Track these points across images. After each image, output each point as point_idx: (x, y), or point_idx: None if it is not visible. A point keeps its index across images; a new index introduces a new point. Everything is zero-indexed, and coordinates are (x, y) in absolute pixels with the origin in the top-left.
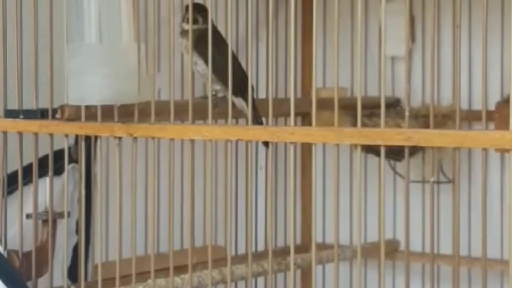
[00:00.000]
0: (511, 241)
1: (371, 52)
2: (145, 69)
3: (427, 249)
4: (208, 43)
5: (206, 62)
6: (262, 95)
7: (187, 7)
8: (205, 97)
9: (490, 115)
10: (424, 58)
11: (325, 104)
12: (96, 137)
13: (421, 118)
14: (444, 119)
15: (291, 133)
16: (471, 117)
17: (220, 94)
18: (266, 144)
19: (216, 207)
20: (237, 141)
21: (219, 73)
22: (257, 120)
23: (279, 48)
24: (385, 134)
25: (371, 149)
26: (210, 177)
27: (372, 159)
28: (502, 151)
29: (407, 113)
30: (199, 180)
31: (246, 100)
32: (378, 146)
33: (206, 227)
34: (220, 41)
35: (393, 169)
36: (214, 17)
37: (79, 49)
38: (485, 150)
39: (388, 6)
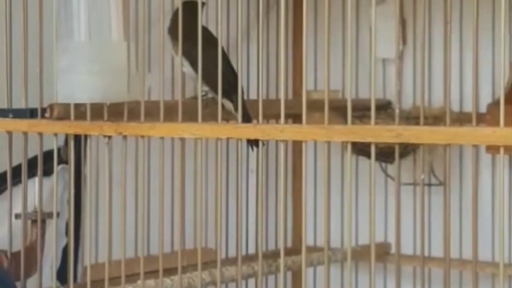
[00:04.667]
0: (501, 244)
1: (363, 54)
2: (135, 68)
3: (419, 252)
4: (198, 44)
5: (191, 64)
6: (253, 96)
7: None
8: (195, 98)
9: (482, 117)
10: (415, 60)
11: (316, 106)
12: (85, 136)
13: (412, 120)
14: (435, 121)
15: (281, 130)
16: (462, 119)
17: (210, 95)
18: (255, 144)
19: (207, 209)
20: (227, 139)
21: (205, 74)
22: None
23: (270, 49)
24: (375, 131)
25: (362, 151)
26: (200, 176)
27: (363, 161)
28: (493, 152)
29: (397, 110)
30: (190, 181)
31: (231, 100)
32: (369, 147)
33: (197, 229)
34: (207, 43)
35: (384, 171)
36: (204, 18)
37: (68, 47)
38: (475, 147)
39: (379, 8)
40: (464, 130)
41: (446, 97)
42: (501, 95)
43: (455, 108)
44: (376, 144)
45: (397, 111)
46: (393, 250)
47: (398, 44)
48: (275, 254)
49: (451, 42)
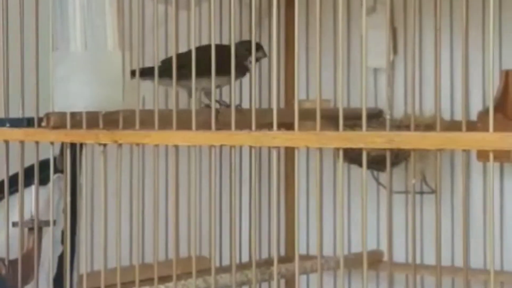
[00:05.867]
0: (491, 250)
1: (354, 64)
2: (130, 77)
3: (411, 259)
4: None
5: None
6: (246, 105)
7: None
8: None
9: (473, 125)
10: (406, 70)
11: (308, 115)
12: (81, 145)
13: (404, 129)
14: (426, 129)
15: (273, 137)
16: (453, 127)
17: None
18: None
19: (201, 217)
20: (221, 147)
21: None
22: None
23: (262, 59)
24: (367, 137)
25: (354, 160)
26: (194, 184)
27: (355, 170)
28: (485, 159)
29: (388, 116)
30: (184, 189)
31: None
32: (361, 156)
33: (191, 237)
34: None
35: (376, 180)
36: (198, 29)
37: (64, 57)
38: (466, 151)
39: (370, 18)
40: (454, 135)
41: (436, 104)
42: (489, 102)
43: (446, 116)
44: (368, 152)
45: (388, 117)
46: (385, 257)
47: (389, 51)
48: (268, 262)
49: (440, 50)
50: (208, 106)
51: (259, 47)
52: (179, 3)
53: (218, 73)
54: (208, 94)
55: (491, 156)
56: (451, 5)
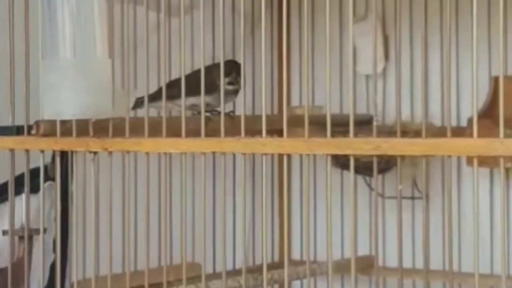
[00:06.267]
0: (476, 254)
1: (347, 70)
2: (121, 85)
3: (404, 264)
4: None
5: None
6: (239, 112)
7: None
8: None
9: (463, 131)
10: (398, 76)
11: (300, 121)
12: (72, 153)
13: (395, 135)
14: (417, 135)
15: (263, 144)
16: (443, 133)
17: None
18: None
19: (193, 223)
20: (213, 154)
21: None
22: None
23: (256, 65)
24: (355, 144)
25: (347, 166)
26: (185, 191)
27: (348, 175)
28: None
29: (375, 122)
30: (177, 196)
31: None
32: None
33: (182, 243)
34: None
35: (369, 185)
36: (189, 37)
37: (53, 65)
38: (450, 157)
39: (362, 25)
40: (440, 142)
41: (423, 111)
42: (473, 109)
43: (437, 122)
44: (359, 158)
45: (375, 123)
46: (379, 262)
47: (375, 56)
48: (261, 268)
49: (427, 58)
50: (199, 113)
51: (233, 68)
52: (171, 10)
53: (196, 93)
54: (196, 108)
55: (475, 162)
56: (441, 13)
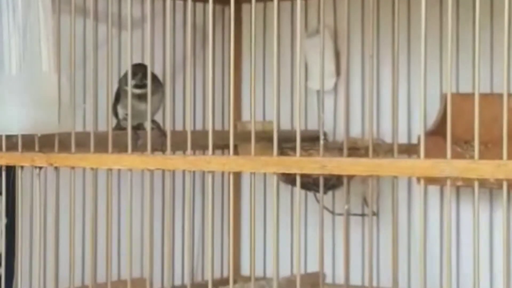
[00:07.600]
0: (401, 273)
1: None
2: (69, 100)
3: (353, 281)
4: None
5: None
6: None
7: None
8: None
9: (414, 148)
10: (348, 92)
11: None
12: (17, 168)
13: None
14: (368, 152)
15: (208, 162)
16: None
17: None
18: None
19: (142, 239)
20: (163, 171)
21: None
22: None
23: (206, 80)
24: (301, 163)
25: (296, 182)
26: (130, 207)
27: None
28: (425, 183)
29: (321, 141)
30: (125, 212)
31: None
32: (306, 178)
33: (127, 260)
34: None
35: (319, 202)
36: (140, 49)
37: None
38: (396, 178)
39: (312, 40)
40: (385, 162)
41: (371, 129)
42: (420, 129)
43: (388, 139)
44: (309, 175)
45: (321, 142)
46: (328, 279)
47: (322, 72)
48: (214, 283)
49: (374, 77)
50: (153, 128)
51: (139, 70)
52: (121, 24)
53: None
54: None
55: (422, 182)
56: (392, 29)
